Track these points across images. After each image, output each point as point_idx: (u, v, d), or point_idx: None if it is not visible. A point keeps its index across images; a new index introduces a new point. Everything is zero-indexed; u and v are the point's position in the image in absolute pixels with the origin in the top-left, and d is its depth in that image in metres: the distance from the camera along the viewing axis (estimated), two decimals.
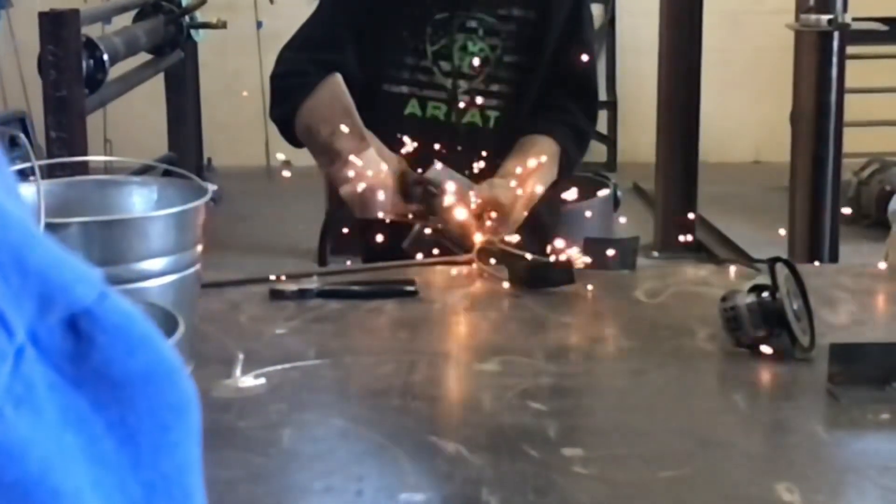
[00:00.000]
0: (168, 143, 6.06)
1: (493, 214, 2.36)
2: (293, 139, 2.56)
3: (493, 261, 2.28)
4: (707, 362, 1.88)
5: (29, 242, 0.57)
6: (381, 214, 2.40)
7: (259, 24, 7.15)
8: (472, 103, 2.58)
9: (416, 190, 2.41)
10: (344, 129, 2.41)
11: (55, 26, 3.84)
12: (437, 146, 2.49)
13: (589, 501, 1.45)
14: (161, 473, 0.59)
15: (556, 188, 2.57)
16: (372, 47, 2.57)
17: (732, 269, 2.30)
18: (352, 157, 2.40)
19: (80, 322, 0.57)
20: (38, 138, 4.60)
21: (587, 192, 4.19)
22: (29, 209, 0.61)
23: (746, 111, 7.47)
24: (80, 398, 0.57)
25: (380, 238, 2.42)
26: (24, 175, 1.69)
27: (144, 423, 0.59)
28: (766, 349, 1.85)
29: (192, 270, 1.73)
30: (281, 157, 2.94)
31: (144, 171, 3.46)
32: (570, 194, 2.54)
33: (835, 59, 4.29)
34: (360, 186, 2.39)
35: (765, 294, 1.85)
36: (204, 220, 1.74)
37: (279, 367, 1.81)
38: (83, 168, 3.12)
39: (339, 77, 2.45)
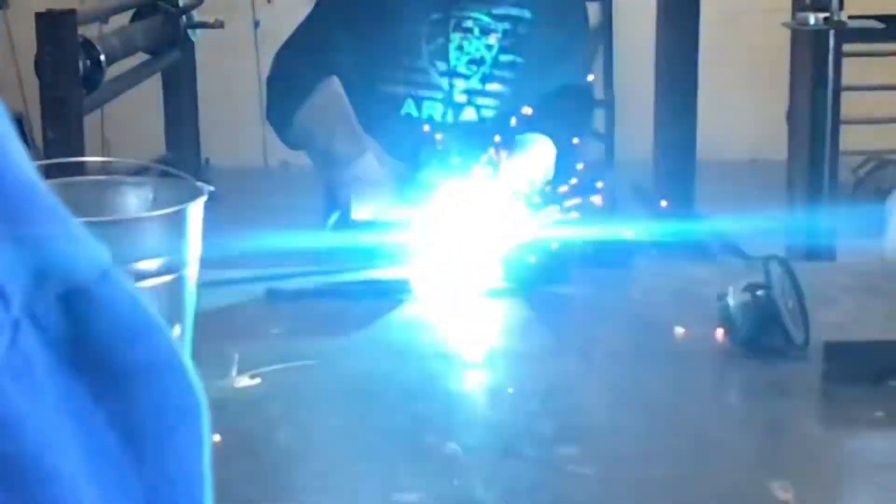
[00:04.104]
0: (165, 144, 6.05)
1: (491, 214, 2.37)
2: (290, 142, 2.57)
3: (489, 260, 2.28)
4: (702, 360, 1.89)
5: (28, 210, 0.53)
6: (378, 217, 2.41)
7: (256, 24, 7.15)
8: (468, 103, 2.59)
9: (412, 192, 2.41)
10: (341, 132, 2.42)
11: (52, 27, 3.84)
12: (433, 146, 2.50)
13: (584, 500, 1.45)
14: (166, 477, 0.56)
15: (553, 187, 2.57)
16: (368, 48, 2.57)
17: (728, 267, 2.30)
18: (349, 161, 2.41)
19: (76, 301, 0.54)
20: (36, 139, 4.60)
21: (584, 191, 4.19)
22: (37, 173, 0.56)
23: (744, 109, 7.47)
24: (79, 385, 0.54)
25: (376, 239, 2.43)
26: None
27: (147, 422, 0.55)
28: (760, 347, 1.85)
29: (188, 271, 1.73)
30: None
31: (142, 171, 3.46)
32: (568, 193, 2.54)
33: (831, 57, 4.29)
34: (358, 189, 2.39)
35: (759, 292, 1.86)
36: (201, 220, 1.75)
37: (275, 367, 1.81)
38: (80, 169, 3.12)
39: (336, 80, 2.46)
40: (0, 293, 0.51)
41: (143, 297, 0.57)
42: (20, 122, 5.66)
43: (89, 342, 0.54)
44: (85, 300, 0.54)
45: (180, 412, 0.57)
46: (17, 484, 0.51)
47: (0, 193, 0.53)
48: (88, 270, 0.55)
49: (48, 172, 2.10)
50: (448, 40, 2.58)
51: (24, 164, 0.55)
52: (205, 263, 1.79)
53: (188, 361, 0.58)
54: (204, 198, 1.72)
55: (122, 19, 5.60)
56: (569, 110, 2.63)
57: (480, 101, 2.60)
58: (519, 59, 2.60)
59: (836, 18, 4.26)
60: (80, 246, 0.55)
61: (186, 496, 0.57)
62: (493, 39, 2.59)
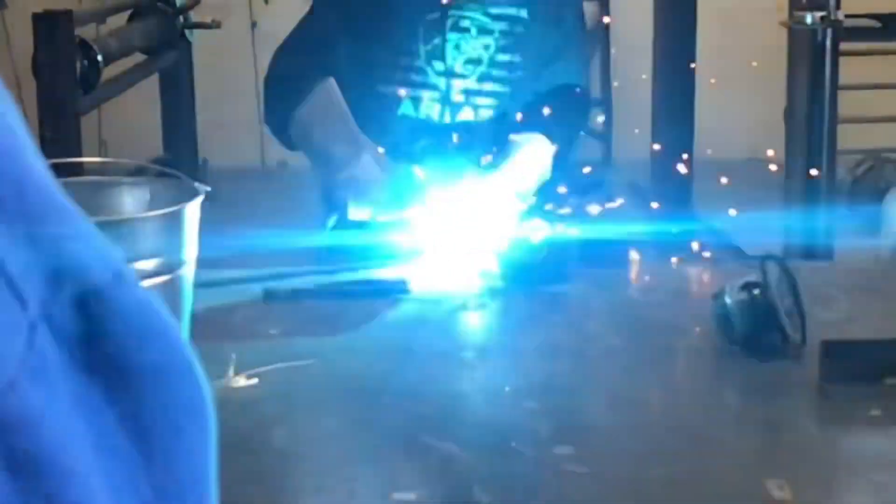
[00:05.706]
0: (163, 144, 6.05)
1: (488, 213, 2.37)
2: (288, 143, 2.57)
3: (486, 259, 2.28)
4: (699, 360, 1.89)
5: (44, 211, 0.54)
6: (375, 217, 2.41)
7: (253, 25, 7.15)
8: (465, 103, 2.59)
9: (410, 192, 2.41)
10: (339, 133, 2.42)
11: (49, 27, 3.84)
12: (430, 146, 2.50)
13: (580, 499, 1.45)
14: (174, 478, 0.56)
15: (549, 186, 2.57)
16: (365, 48, 2.57)
17: (725, 266, 2.30)
18: (346, 162, 2.41)
19: (90, 303, 0.54)
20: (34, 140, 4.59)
21: (581, 190, 4.19)
22: (51, 173, 0.57)
23: (742, 108, 7.47)
24: (92, 387, 0.54)
25: (374, 239, 2.43)
26: None
27: (158, 423, 0.56)
28: (757, 346, 1.85)
29: (184, 271, 1.73)
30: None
31: (139, 171, 3.46)
32: (564, 192, 2.54)
33: (828, 56, 4.29)
34: (355, 190, 2.40)
35: (756, 291, 1.86)
36: (198, 220, 1.75)
37: (272, 367, 1.81)
38: (78, 169, 3.12)
39: (333, 81, 2.46)
40: (18, 295, 0.52)
41: (156, 301, 0.57)
42: None
43: (102, 344, 0.55)
44: (98, 302, 0.55)
45: (189, 413, 0.57)
46: (33, 483, 0.51)
47: (17, 194, 0.53)
48: (102, 272, 0.55)
49: None
50: (445, 40, 2.58)
51: (39, 165, 0.56)
52: (202, 263, 1.79)
53: (197, 363, 0.59)
54: (201, 198, 1.72)
55: (120, 20, 5.60)
56: (566, 109, 2.63)
57: (478, 100, 2.60)
58: (516, 59, 2.60)
59: (833, 17, 4.26)
60: (95, 248, 0.55)
61: (193, 495, 0.57)
62: (489, 39, 2.59)
